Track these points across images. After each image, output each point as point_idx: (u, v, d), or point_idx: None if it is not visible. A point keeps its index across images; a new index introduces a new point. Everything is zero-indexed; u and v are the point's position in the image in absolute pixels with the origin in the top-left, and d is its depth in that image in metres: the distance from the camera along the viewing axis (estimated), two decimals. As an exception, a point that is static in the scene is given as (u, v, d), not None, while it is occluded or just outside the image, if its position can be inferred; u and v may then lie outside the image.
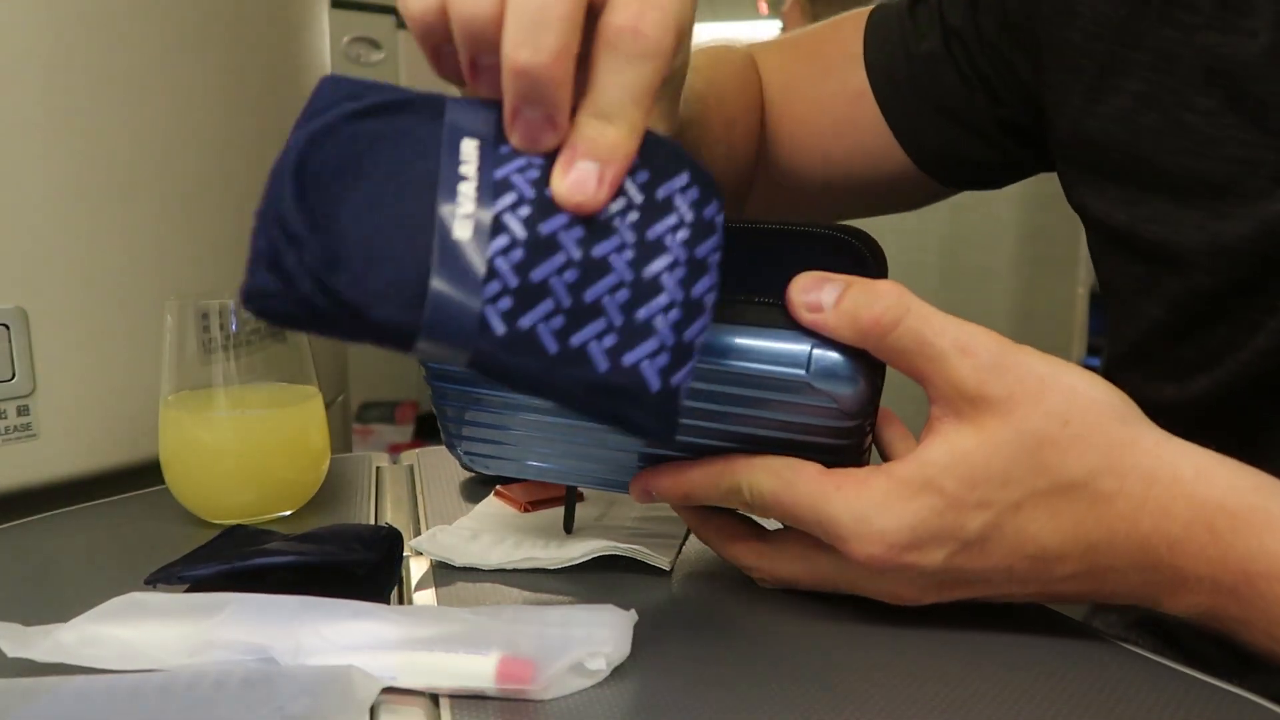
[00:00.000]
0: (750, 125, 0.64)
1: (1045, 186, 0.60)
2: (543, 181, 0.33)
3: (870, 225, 0.44)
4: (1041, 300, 2.07)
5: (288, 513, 0.57)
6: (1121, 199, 0.52)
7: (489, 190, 0.32)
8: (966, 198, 0.70)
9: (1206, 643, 0.55)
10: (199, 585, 0.41)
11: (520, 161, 0.33)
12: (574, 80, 0.33)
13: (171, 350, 0.54)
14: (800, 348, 0.38)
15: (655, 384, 0.33)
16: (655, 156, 0.34)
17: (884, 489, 0.38)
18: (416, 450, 0.71)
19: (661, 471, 0.42)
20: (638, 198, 0.33)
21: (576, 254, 0.32)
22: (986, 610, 0.41)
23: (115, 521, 0.58)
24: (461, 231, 0.31)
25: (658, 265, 0.33)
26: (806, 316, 0.38)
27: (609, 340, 0.32)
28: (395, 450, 0.81)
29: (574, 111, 0.33)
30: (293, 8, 0.77)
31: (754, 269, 0.42)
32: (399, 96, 0.34)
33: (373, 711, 0.34)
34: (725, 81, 0.61)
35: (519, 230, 0.32)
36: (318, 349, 0.58)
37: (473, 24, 0.32)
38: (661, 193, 0.34)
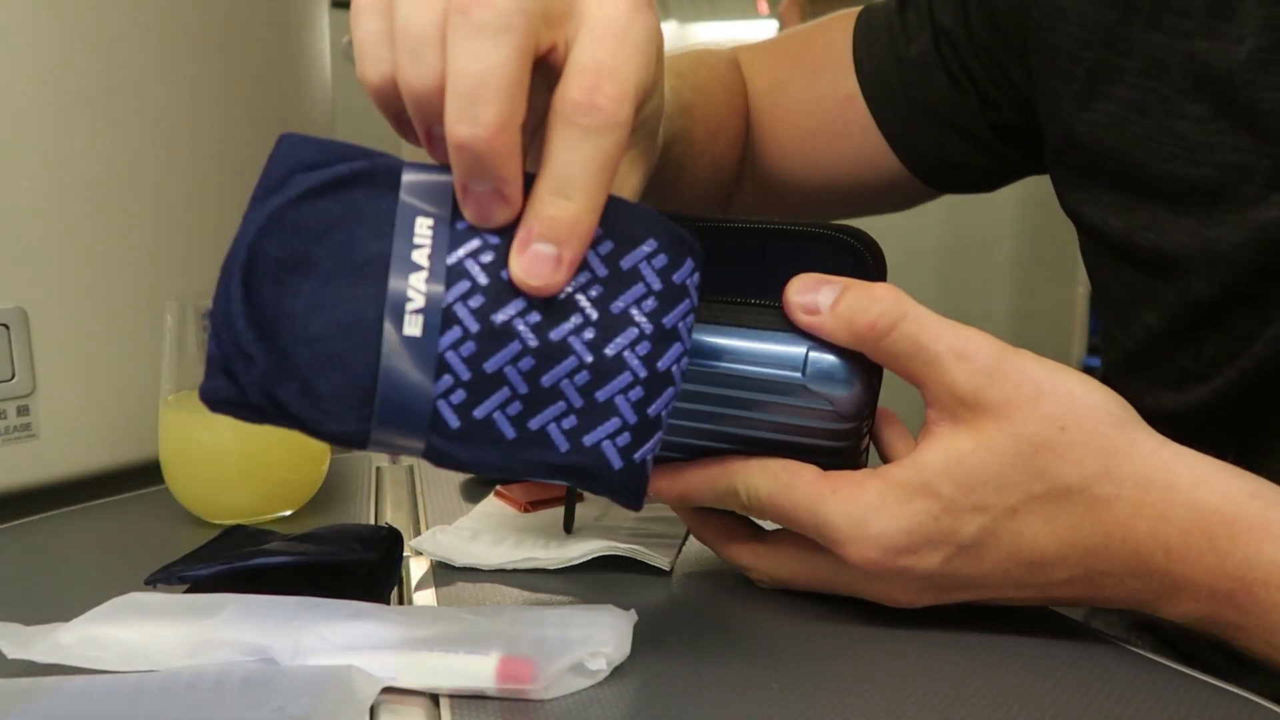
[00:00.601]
0: (736, 131, 0.64)
1: (1045, 187, 0.60)
2: (498, 263, 0.32)
3: (869, 225, 0.44)
4: (1041, 301, 2.07)
5: (288, 513, 0.57)
6: (1116, 206, 0.52)
7: (440, 279, 0.31)
8: (966, 199, 0.70)
9: (1203, 645, 0.55)
10: (199, 585, 0.41)
11: (475, 242, 0.32)
12: (526, 150, 0.32)
13: (171, 350, 0.54)
14: (796, 350, 0.38)
15: (617, 463, 0.32)
16: (619, 223, 0.33)
17: (880, 492, 0.38)
18: (416, 450, 0.71)
19: (659, 472, 0.42)
20: (601, 271, 0.32)
21: (532, 341, 0.31)
22: (986, 611, 0.41)
23: (115, 521, 0.58)
24: (411, 328, 0.31)
25: (620, 342, 0.32)
26: (802, 319, 0.38)
27: (568, 422, 0.32)
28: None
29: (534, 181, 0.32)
30: (293, 8, 0.77)
31: (752, 269, 0.42)
32: (354, 168, 0.32)
33: (373, 711, 0.34)
34: (711, 88, 0.61)
35: (471, 322, 0.31)
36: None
37: (420, 96, 0.31)
38: (626, 263, 0.32)
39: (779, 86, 0.65)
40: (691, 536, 0.51)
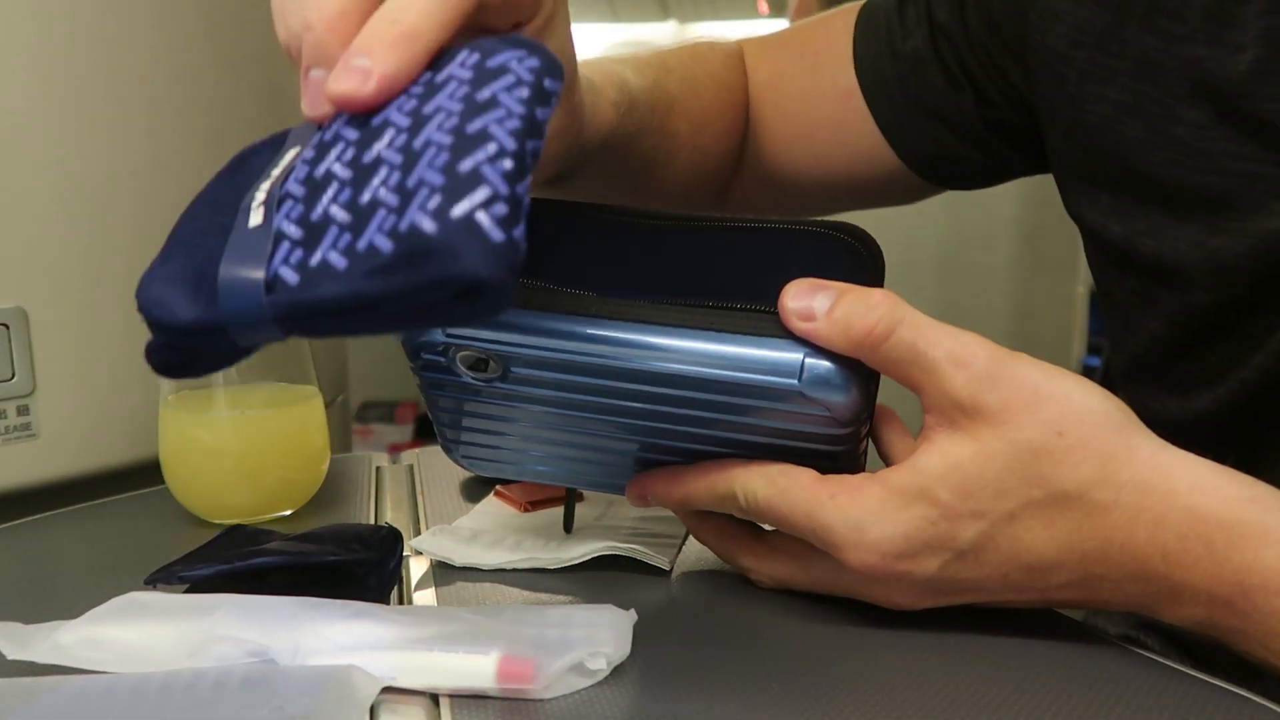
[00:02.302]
0: (727, 124, 0.64)
1: (1045, 186, 0.59)
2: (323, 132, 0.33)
3: (868, 224, 0.44)
4: (1041, 300, 2.07)
5: (288, 513, 0.57)
6: (1115, 210, 0.51)
7: (284, 178, 0.33)
8: (966, 197, 0.70)
9: (1213, 645, 0.55)
10: (198, 585, 0.42)
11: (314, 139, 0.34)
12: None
13: (172, 350, 0.54)
14: (793, 357, 0.37)
15: (431, 226, 0.29)
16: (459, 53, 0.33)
17: (878, 497, 0.38)
18: (416, 450, 0.71)
19: (658, 476, 0.42)
20: (416, 90, 0.32)
21: (347, 173, 0.31)
22: (987, 611, 0.41)
23: (115, 521, 0.58)
24: (255, 218, 0.32)
25: (428, 130, 0.31)
26: (798, 325, 0.37)
27: (433, 201, 0.29)
28: (395, 450, 0.81)
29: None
30: (293, 8, 0.77)
31: (750, 269, 0.41)
32: (251, 147, 0.37)
33: (373, 711, 0.35)
34: (701, 82, 0.61)
35: (298, 189, 0.32)
36: (317, 349, 0.58)
37: (288, 42, 0.34)
38: (441, 76, 0.32)
39: (781, 80, 0.65)
40: (691, 536, 0.51)
